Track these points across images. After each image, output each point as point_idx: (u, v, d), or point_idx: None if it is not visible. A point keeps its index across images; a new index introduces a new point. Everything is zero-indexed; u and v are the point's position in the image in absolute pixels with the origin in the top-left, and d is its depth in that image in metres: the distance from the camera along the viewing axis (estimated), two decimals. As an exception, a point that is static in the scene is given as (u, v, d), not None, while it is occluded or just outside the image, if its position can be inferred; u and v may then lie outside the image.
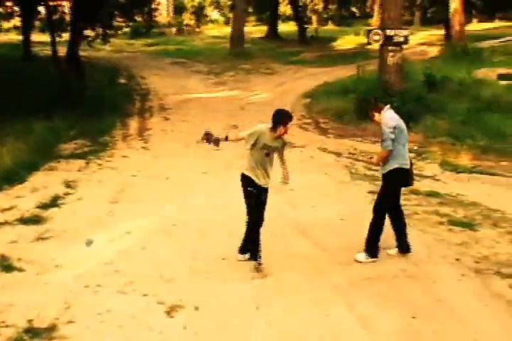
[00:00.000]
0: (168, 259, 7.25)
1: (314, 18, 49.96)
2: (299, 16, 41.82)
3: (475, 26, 51.16)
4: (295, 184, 10.33)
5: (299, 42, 39.23)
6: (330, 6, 41.48)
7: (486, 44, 35.85)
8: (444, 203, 9.50)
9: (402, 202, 7.91)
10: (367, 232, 7.26)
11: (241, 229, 7.12)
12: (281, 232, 8.11)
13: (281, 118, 6.66)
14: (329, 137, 14.74)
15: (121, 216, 8.85)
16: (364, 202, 9.32)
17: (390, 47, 16.65)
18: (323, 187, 10.38)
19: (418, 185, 10.42)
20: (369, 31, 17.40)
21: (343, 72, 22.87)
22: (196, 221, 8.61)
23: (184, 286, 6.54)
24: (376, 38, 16.67)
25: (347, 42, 38.27)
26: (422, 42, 38.56)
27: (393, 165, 7.07)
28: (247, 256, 7.10)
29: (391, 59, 16.71)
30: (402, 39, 16.65)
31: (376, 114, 7.19)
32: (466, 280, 6.74)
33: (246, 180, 6.77)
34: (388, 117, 7.10)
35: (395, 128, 6.97)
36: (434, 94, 16.76)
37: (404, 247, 7.37)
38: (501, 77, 21.03)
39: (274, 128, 6.65)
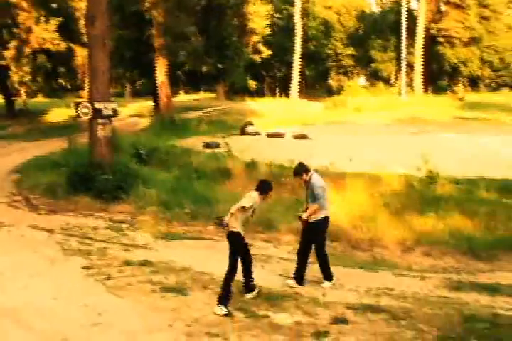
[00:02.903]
0: None
1: (23, 90, 48.70)
2: (6, 88, 40.53)
3: (182, 97, 54.43)
4: (3, 266, 9.90)
5: (6, 115, 37.93)
6: (39, 78, 40.66)
7: (192, 114, 38.42)
8: (157, 271, 9.75)
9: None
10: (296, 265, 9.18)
11: None
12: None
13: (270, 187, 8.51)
14: (41, 213, 14.30)
15: None
16: (78, 277, 9.24)
17: (99, 120, 16.72)
18: (34, 267, 10.00)
19: (131, 255, 10.65)
20: (77, 104, 17.28)
21: (55, 146, 22.57)
22: None
23: None
24: (85, 110, 16.56)
25: (58, 114, 38.09)
26: (134, 113, 39.87)
27: (321, 215, 9.00)
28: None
29: (101, 132, 16.76)
30: (110, 112, 16.85)
31: (304, 175, 8.96)
32: (179, 345, 6.99)
33: (240, 236, 8.25)
34: (317, 179, 8.97)
35: (322, 187, 8.87)
36: (144, 164, 17.35)
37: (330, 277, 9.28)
38: (206, 145, 22.63)
39: (264, 195, 8.46)
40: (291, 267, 10.16)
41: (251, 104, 49.90)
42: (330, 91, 67.62)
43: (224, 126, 33.37)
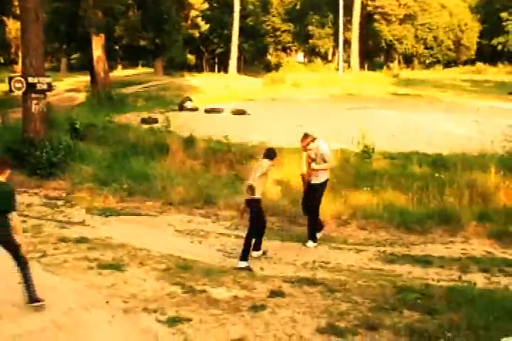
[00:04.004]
0: None
1: (-48, 63, 47.08)
2: None
3: (120, 72, 53.44)
4: None
5: None
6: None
7: (130, 90, 37.79)
8: (94, 248, 9.64)
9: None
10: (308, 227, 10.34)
11: None
12: None
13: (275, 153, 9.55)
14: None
15: None
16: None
17: (33, 95, 16.31)
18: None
19: (67, 232, 10.51)
20: (10, 79, 16.84)
21: (-13, 121, 21.85)
22: None
23: None
24: (18, 85, 16.16)
25: (-9, 89, 36.78)
26: (70, 88, 38.96)
27: (326, 177, 10.24)
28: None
29: (35, 107, 16.38)
30: (45, 86, 16.46)
31: (311, 143, 10.00)
32: (116, 322, 6.95)
33: (259, 202, 9.32)
34: (323, 145, 10.08)
35: (328, 153, 10.06)
36: (80, 140, 17.03)
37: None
38: (144, 121, 22.35)
39: (272, 161, 9.51)
40: (230, 242, 10.27)
41: (190, 79, 49.43)
42: (268, 67, 67.45)
43: (162, 101, 32.90)
